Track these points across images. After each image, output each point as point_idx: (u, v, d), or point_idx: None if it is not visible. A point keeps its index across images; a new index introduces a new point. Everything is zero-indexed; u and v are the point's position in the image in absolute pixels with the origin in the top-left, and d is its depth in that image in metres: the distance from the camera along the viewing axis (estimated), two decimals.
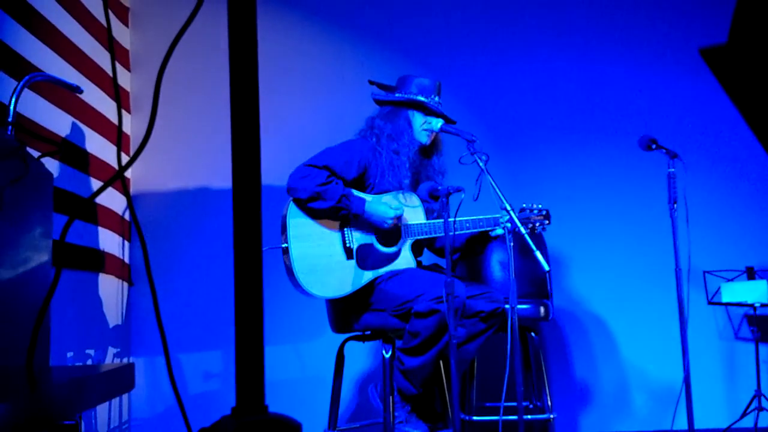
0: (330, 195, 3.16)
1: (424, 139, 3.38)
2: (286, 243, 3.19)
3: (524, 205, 3.37)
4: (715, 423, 4.25)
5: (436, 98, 3.39)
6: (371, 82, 3.46)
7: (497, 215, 3.24)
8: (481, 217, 3.29)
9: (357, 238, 3.27)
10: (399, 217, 3.24)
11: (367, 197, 3.29)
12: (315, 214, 3.22)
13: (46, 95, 3.25)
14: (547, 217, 3.36)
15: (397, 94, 3.40)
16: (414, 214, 3.34)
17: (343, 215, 3.22)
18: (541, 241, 3.93)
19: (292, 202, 3.23)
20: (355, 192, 3.28)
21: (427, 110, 3.35)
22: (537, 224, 3.34)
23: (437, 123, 3.28)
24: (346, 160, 3.27)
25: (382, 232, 3.30)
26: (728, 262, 4.23)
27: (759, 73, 0.78)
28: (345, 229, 3.27)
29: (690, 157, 3.57)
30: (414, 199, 3.35)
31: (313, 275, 3.18)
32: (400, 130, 3.35)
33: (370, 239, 3.29)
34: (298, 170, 3.20)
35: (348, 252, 3.24)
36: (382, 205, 3.24)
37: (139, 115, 4.46)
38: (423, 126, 3.37)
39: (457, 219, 3.13)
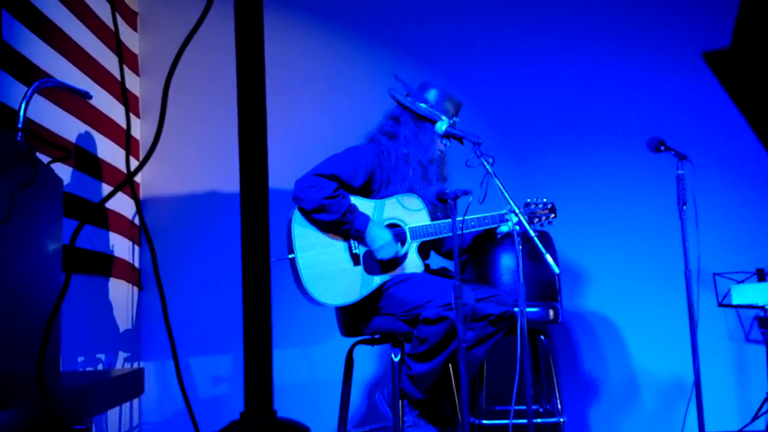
0: (335, 209, 3.16)
1: (435, 156, 3.39)
2: (293, 253, 3.20)
3: (528, 200, 3.36)
4: (726, 426, 4.22)
5: (456, 120, 3.39)
6: (397, 78, 3.43)
7: (502, 211, 3.24)
8: (486, 214, 3.28)
9: (363, 244, 3.27)
10: (392, 258, 3.23)
11: (370, 204, 3.28)
12: (319, 225, 3.22)
13: (55, 100, 3.27)
14: (553, 210, 3.34)
15: (422, 105, 3.38)
16: (418, 216, 3.34)
17: (345, 229, 3.21)
18: (550, 244, 3.92)
19: (297, 210, 3.24)
20: (360, 205, 3.27)
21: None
22: (543, 218, 3.33)
23: (442, 126, 3.25)
24: (353, 168, 3.27)
25: None
26: (738, 263, 4.21)
27: (760, 77, 0.78)
28: None
29: (699, 159, 3.55)
30: (417, 202, 3.35)
31: (321, 284, 3.18)
32: (425, 142, 3.35)
33: None
34: (305, 179, 3.20)
35: (354, 258, 3.24)
36: (383, 230, 3.23)
37: (148, 119, 4.48)
38: (440, 147, 3.38)
39: (464, 218, 3.12)
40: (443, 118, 3.29)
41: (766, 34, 0.75)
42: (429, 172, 3.41)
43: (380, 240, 3.19)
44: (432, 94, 3.39)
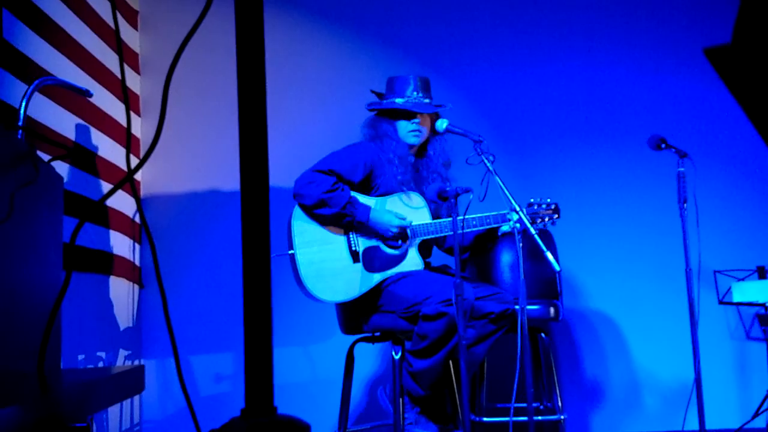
0: (335, 202, 3.16)
1: (411, 140, 3.38)
2: (292, 250, 3.20)
3: (532, 200, 3.35)
4: (727, 423, 4.23)
5: (415, 94, 3.37)
6: (373, 92, 3.48)
7: (504, 211, 3.23)
8: (488, 214, 3.28)
9: (362, 241, 3.28)
10: (403, 227, 3.24)
11: (371, 201, 3.29)
12: (320, 220, 3.23)
13: (56, 99, 3.27)
14: (557, 210, 3.33)
15: (384, 101, 3.42)
16: (419, 214, 3.34)
17: (347, 222, 3.22)
18: (551, 242, 3.92)
19: (297, 207, 3.24)
20: (361, 198, 3.28)
21: (409, 113, 3.35)
22: (546, 218, 3.32)
23: (442, 124, 3.27)
24: (351, 164, 3.28)
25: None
26: (739, 261, 4.20)
27: (762, 72, 0.78)
28: (350, 232, 3.28)
29: (700, 157, 3.55)
30: (418, 200, 3.35)
31: (321, 281, 3.19)
32: (382, 134, 3.37)
33: (376, 242, 3.30)
34: (304, 176, 3.21)
35: (354, 255, 3.24)
36: (386, 213, 3.24)
37: (149, 118, 4.48)
38: (409, 128, 3.37)
39: (465, 217, 3.12)
40: (397, 100, 3.33)
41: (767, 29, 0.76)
42: (423, 162, 3.42)
43: (386, 223, 3.21)
44: (388, 85, 3.45)
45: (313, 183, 3.17)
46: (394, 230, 3.24)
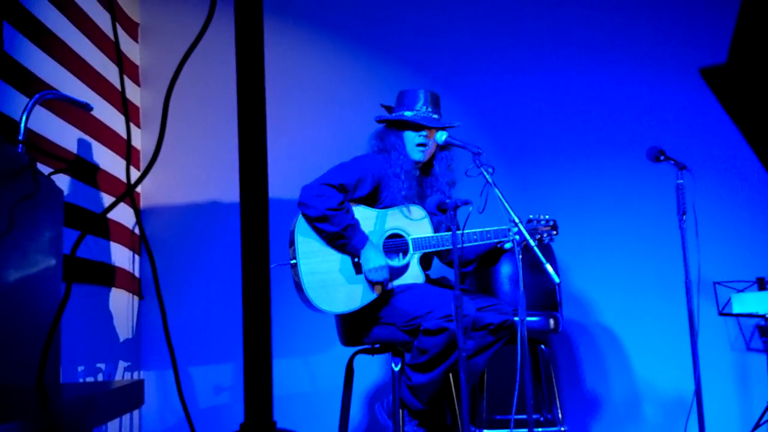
0: (337, 221, 3.16)
1: (417, 156, 3.37)
2: (295, 259, 3.20)
3: (531, 216, 3.35)
4: None
5: (425, 108, 3.37)
6: (383, 106, 3.49)
7: (505, 227, 3.23)
8: (489, 229, 3.27)
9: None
10: (385, 280, 3.21)
11: (372, 214, 3.29)
12: (319, 234, 3.22)
13: (57, 111, 3.28)
14: (555, 227, 3.34)
15: (394, 114, 3.42)
16: (420, 226, 3.34)
17: (341, 243, 3.21)
18: (550, 253, 3.92)
19: (300, 217, 3.24)
20: (362, 216, 3.27)
21: (417, 126, 3.35)
22: (545, 235, 3.32)
23: (441, 136, 3.27)
24: (359, 177, 3.27)
25: (389, 246, 3.30)
26: (739, 272, 4.20)
27: (758, 93, 0.79)
28: None
29: (698, 168, 3.56)
30: (420, 212, 3.35)
31: (323, 291, 3.18)
32: (389, 147, 3.37)
33: None
34: (313, 186, 3.20)
35: (357, 267, 3.24)
36: (380, 258, 3.20)
37: (149, 130, 4.49)
38: (416, 142, 3.36)
39: (466, 231, 3.12)
40: (406, 113, 3.33)
41: (763, 50, 0.76)
42: (429, 178, 3.42)
43: (373, 262, 3.18)
44: (399, 97, 3.45)
45: (322, 197, 3.16)
46: (376, 278, 3.18)
